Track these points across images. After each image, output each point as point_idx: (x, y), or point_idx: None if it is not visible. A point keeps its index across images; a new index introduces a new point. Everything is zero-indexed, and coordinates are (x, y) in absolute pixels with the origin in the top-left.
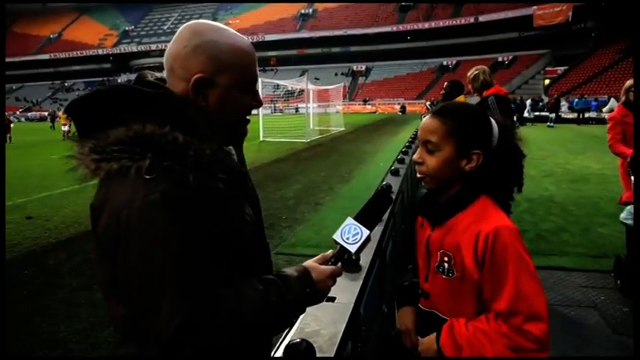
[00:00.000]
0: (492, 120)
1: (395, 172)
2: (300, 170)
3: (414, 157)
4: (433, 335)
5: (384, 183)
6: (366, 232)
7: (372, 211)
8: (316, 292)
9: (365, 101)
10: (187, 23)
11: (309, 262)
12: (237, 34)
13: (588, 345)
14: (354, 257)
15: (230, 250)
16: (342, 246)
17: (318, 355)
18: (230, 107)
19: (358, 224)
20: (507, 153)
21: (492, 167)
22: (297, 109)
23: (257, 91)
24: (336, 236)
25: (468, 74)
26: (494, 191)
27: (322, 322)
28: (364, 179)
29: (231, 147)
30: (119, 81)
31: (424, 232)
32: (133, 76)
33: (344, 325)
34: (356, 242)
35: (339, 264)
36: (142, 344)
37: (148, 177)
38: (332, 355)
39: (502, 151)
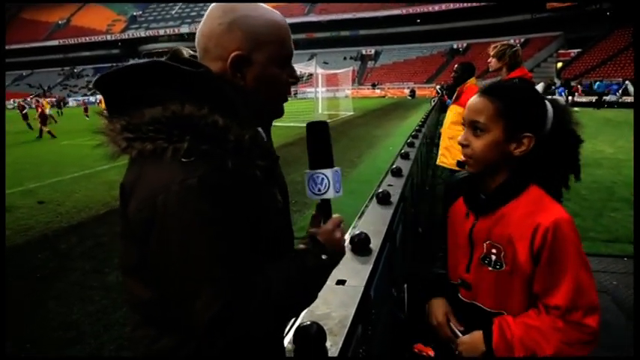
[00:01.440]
0: (547, 101)
1: (405, 156)
2: None
3: (459, 139)
4: (477, 335)
5: (394, 166)
6: (329, 172)
7: (319, 149)
8: (332, 252)
9: (373, 85)
10: (215, 3)
11: (310, 230)
12: (269, 8)
13: (600, 330)
14: (335, 198)
15: (262, 237)
16: (321, 200)
17: (328, 337)
18: (268, 84)
19: (317, 171)
20: (562, 138)
21: (545, 153)
22: (295, 94)
23: (293, 67)
24: (309, 194)
25: (499, 50)
26: (546, 180)
27: (332, 305)
28: (374, 163)
29: (261, 130)
30: None
31: (467, 221)
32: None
33: (354, 308)
34: (329, 187)
35: (335, 215)
36: (164, 328)
37: (185, 160)
38: (342, 338)
39: (556, 136)
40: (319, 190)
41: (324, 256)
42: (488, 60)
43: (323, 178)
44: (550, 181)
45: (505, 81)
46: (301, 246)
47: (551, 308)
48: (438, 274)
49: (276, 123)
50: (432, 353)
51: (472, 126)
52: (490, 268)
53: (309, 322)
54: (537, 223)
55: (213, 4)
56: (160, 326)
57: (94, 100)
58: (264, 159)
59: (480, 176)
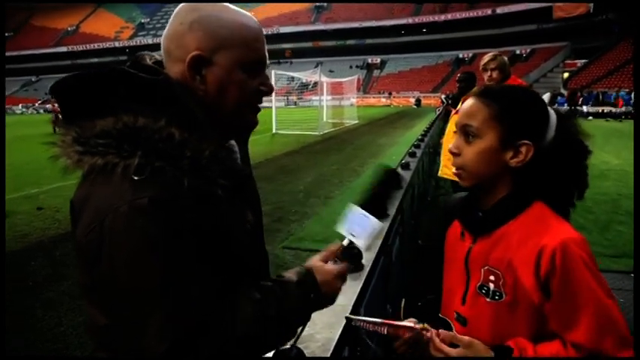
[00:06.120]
0: (550, 108)
1: (405, 166)
2: (312, 163)
3: (450, 146)
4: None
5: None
6: (376, 222)
7: (381, 196)
8: (322, 295)
9: (390, 93)
10: (183, 3)
11: (314, 262)
12: (243, 11)
13: None
14: (363, 251)
15: (226, 260)
16: (349, 240)
17: None
18: (233, 91)
19: (366, 214)
20: (567, 149)
21: (549, 166)
22: (294, 102)
23: (266, 75)
24: (342, 229)
25: (500, 62)
26: (551, 196)
27: (317, 326)
28: None
29: (234, 143)
30: None
31: (463, 244)
32: None
33: (340, 329)
34: (364, 236)
35: (346, 262)
36: (116, 356)
37: (136, 178)
38: None
39: (561, 146)
40: (354, 230)
41: (312, 295)
42: (489, 74)
43: (367, 224)
44: (556, 198)
45: (503, 84)
46: (291, 275)
47: (574, 344)
48: (428, 300)
49: (280, 131)
50: None
51: (464, 131)
52: (488, 299)
53: (288, 346)
54: (543, 245)
55: (181, 5)
56: (112, 353)
57: None
58: (227, 177)
59: (475, 191)
